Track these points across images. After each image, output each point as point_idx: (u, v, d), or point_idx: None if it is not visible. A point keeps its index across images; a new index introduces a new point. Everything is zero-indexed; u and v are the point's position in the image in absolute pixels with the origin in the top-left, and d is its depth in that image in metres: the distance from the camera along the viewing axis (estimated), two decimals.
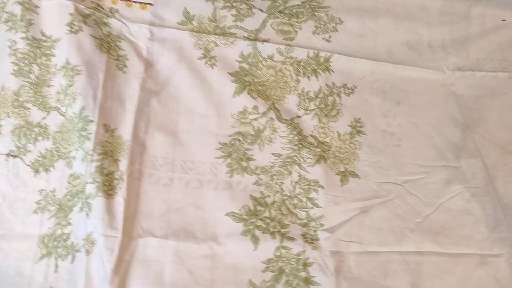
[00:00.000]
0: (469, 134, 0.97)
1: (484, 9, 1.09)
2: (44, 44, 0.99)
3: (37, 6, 1.00)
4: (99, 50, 0.97)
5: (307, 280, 0.84)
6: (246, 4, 1.06)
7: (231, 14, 1.05)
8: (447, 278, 0.84)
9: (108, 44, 0.99)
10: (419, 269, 0.85)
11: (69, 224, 0.87)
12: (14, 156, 0.93)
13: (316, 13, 1.07)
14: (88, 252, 0.83)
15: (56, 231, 0.87)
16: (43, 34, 1.00)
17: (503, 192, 0.91)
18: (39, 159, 0.93)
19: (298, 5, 1.07)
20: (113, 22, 1.02)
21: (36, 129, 0.95)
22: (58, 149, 0.93)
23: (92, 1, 1.03)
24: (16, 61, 0.98)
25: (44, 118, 0.95)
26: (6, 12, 1.00)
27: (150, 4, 1.05)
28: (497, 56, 1.06)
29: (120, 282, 0.82)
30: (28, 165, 0.92)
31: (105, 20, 1.01)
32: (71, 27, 0.97)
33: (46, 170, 0.92)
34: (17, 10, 0.99)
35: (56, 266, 0.85)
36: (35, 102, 0.96)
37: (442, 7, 1.09)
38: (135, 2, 1.05)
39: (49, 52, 0.99)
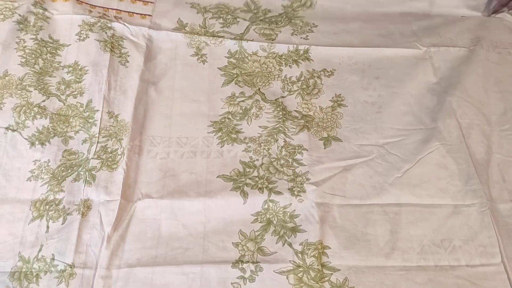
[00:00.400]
0: (446, 97, 1.05)
1: (441, 9, 1.25)
2: (51, 45, 1.12)
3: (48, 18, 1.16)
4: (103, 50, 1.11)
5: (294, 229, 0.88)
6: (231, 15, 1.23)
7: (219, 23, 1.22)
8: (423, 225, 0.89)
9: (112, 44, 1.13)
10: (398, 218, 0.89)
11: (62, 191, 0.92)
12: (13, 130, 0.98)
13: (292, 21, 1.23)
14: (83, 215, 0.89)
15: (48, 196, 0.91)
16: (50, 38, 1.13)
17: (475, 149, 0.98)
18: (36, 134, 0.99)
19: (276, 16, 1.25)
20: (116, 25, 1.17)
21: (35, 109, 1.02)
22: (54, 127, 1.01)
23: (98, 12, 1.19)
24: (23, 55, 1.09)
25: (43, 101, 1.04)
26: (19, 15, 1.14)
27: (149, 15, 1.22)
28: (467, 36, 1.18)
29: (120, 237, 0.87)
30: (25, 139, 0.98)
31: (109, 25, 1.16)
32: (80, 36, 1.14)
33: (42, 144, 0.98)
34: (31, 18, 1.14)
35: (48, 227, 0.88)
36: (37, 86, 1.05)
37: (402, 11, 1.26)
38: (136, 13, 1.22)
39: (54, 51, 1.12)
